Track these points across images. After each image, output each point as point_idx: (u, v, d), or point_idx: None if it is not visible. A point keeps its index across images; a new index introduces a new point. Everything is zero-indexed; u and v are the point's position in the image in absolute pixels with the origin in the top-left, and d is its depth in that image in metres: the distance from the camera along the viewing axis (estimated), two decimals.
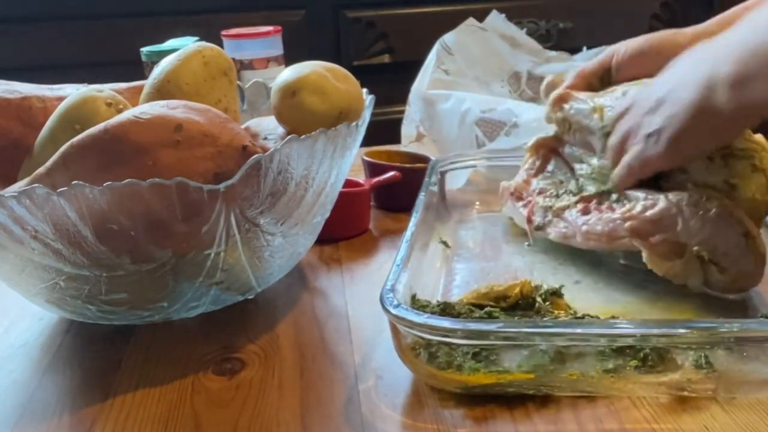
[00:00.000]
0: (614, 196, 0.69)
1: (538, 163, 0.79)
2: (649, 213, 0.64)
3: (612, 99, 0.71)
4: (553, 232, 0.73)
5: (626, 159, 0.66)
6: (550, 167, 0.78)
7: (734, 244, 0.62)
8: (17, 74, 0.84)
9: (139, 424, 0.55)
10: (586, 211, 0.70)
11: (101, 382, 0.60)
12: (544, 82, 0.80)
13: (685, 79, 0.61)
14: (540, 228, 0.74)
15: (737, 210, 0.63)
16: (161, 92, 0.66)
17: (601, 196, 0.70)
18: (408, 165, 0.92)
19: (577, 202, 0.72)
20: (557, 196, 0.75)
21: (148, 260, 0.59)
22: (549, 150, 0.79)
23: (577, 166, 0.75)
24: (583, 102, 0.73)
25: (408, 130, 1.07)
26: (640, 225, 0.65)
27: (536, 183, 0.78)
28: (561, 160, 0.77)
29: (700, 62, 0.60)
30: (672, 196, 0.64)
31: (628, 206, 0.66)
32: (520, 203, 0.78)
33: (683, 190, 0.64)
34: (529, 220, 0.76)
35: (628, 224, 0.65)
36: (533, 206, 0.76)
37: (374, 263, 0.80)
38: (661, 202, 0.64)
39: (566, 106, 0.74)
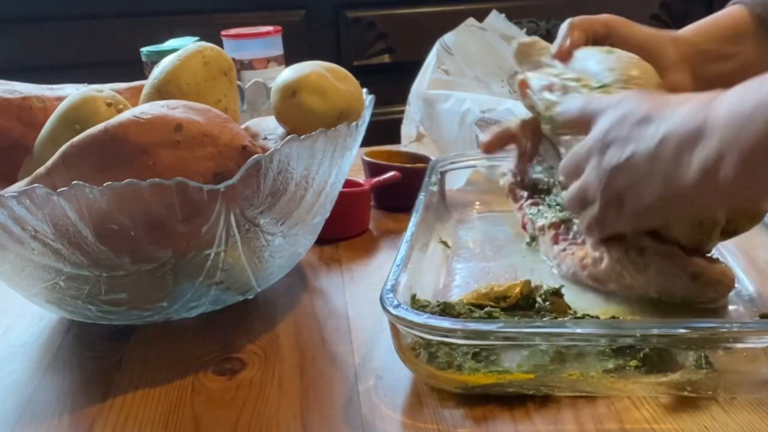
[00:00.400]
0: (576, 226, 0.69)
1: (529, 145, 0.77)
2: (597, 268, 0.65)
3: (556, 96, 0.68)
4: (540, 250, 0.74)
5: (584, 223, 0.62)
6: (541, 149, 0.76)
7: (685, 288, 0.61)
8: (17, 74, 0.84)
9: (139, 424, 0.55)
10: (555, 240, 0.71)
11: (101, 382, 0.60)
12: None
13: (663, 141, 0.53)
14: (533, 239, 0.76)
15: (676, 254, 0.61)
16: (161, 92, 0.66)
17: (567, 223, 0.70)
18: (408, 165, 0.92)
19: (549, 227, 0.72)
20: (547, 191, 0.75)
21: (148, 260, 0.59)
22: (533, 130, 0.75)
23: (561, 149, 0.74)
24: (536, 95, 0.71)
25: (408, 130, 1.07)
26: (595, 275, 0.65)
27: (532, 171, 0.78)
28: (548, 141, 0.75)
29: (689, 133, 0.51)
30: (614, 252, 0.63)
31: (583, 252, 0.67)
32: (516, 206, 0.78)
33: (622, 238, 0.63)
34: (524, 227, 0.77)
35: (585, 273, 0.66)
36: (524, 216, 0.76)
37: (374, 263, 0.80)
38: (605, 259, 0.64)
39: (529, 92, 0.72)
